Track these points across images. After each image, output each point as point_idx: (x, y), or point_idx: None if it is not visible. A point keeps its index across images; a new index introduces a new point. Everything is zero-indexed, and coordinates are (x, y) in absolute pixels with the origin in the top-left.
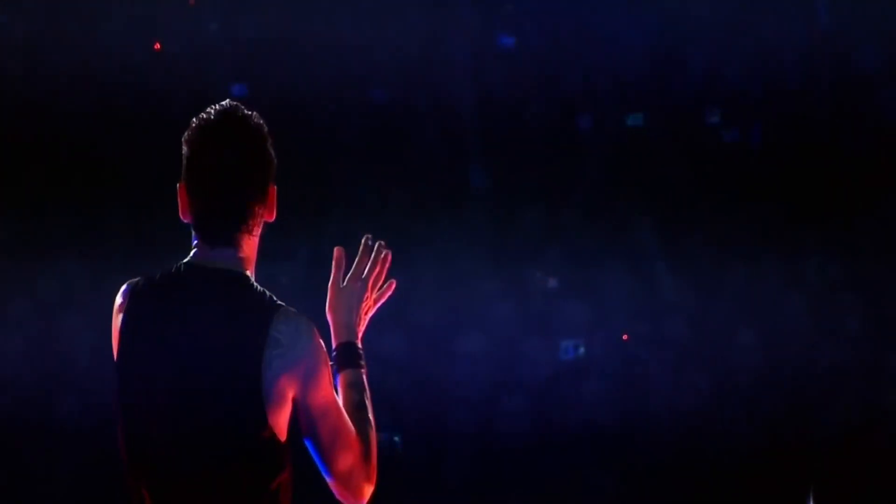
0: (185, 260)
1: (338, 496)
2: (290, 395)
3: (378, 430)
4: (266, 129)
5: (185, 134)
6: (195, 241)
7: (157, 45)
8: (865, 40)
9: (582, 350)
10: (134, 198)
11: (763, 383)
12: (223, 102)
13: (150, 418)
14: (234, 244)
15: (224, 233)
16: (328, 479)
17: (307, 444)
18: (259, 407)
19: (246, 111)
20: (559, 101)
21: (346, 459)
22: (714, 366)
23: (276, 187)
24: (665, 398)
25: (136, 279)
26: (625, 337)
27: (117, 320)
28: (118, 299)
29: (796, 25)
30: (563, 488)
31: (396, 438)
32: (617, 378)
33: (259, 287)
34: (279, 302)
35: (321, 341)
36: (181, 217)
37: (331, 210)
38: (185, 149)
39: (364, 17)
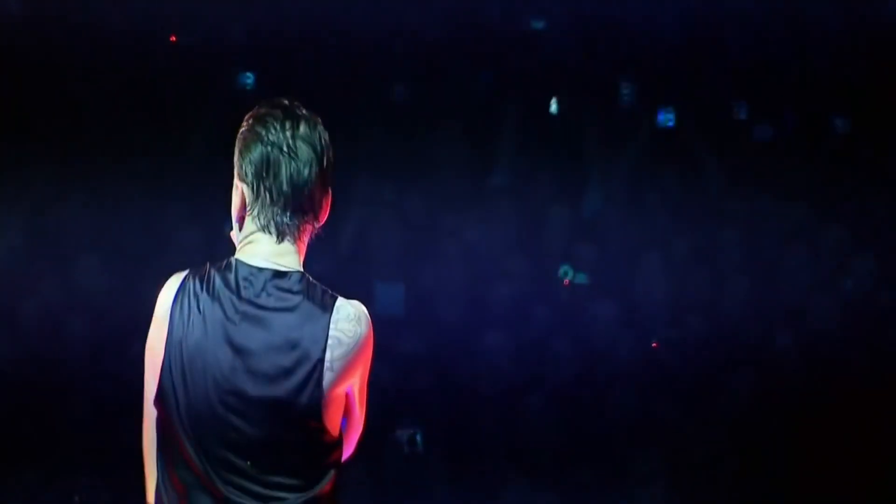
0: (240, 255)
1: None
2: (346, 389)
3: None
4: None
5: (253, 127)
6: (248, 238)
7: (173, 38)
8: None
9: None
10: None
11: (799, 385)
12: (278, 99)
13: (206, 410)
14: (296, 238)
15: (297, 227)
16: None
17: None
18: (317, 413)
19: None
20: (588, 91)
21: (361, 425)
22: (745, 367)
23: (330, 192)
24: (695, 400)
25: (186, 273)
26: (654, 344)
27: (166, 310)
28: (170, 291)
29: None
30: (590, 488)
31: (418, 437)
32: (646, 378)
33: (313, 282)
34: (333, 294)
35: (372, 326)
36: (235, 215)
37: (351, 206)
38: (257, 142)
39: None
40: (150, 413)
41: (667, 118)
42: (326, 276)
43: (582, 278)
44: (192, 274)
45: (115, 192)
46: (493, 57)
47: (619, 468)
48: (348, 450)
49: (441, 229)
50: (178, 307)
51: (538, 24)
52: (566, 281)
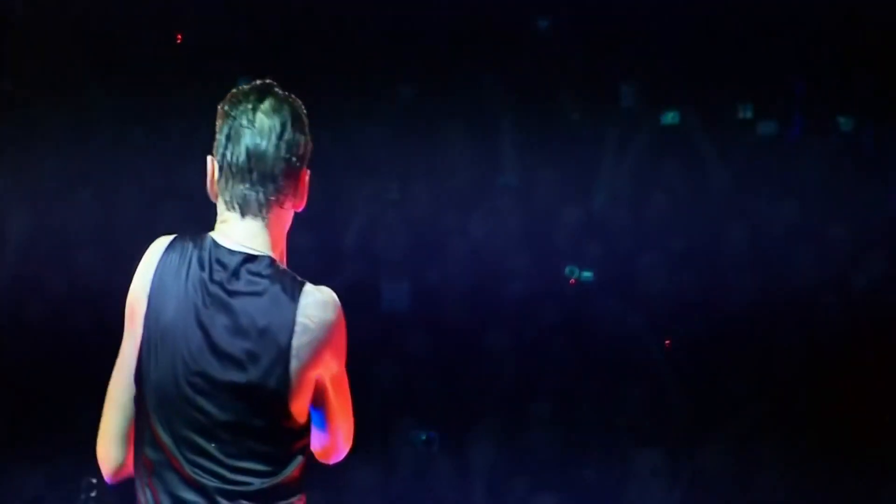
0: (215, 235)
1: (324, 458)
2: (315, 375)
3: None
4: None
5: (223, 104)
6: (221, 217)
7: (179, 37)
8: None
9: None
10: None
11: (804, 385)
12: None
13: (171, 388)
14: (264, 216)
15: (256, 202)
16: (325, 443)
17: (312, 410)
18: (283, 399)
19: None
20: (593, 90)
21: (349, 422)
22: (750, 366)
23: (308, 172)
24: (699, 399)
25: (168, 243)
26: (667, 342)
27: (147, 280)
28: (153, 258)
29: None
30: (593, 483)
31: (433, 438)
32: (652, 377)
33: (282, 268)
34: (301, 280)
35: (343, 313)
36: (208, 190)
37: (357, 205)
38: (224, 118)
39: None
40: (122, 369)
41: (671, 116)
42: (332, 273)
43: (588, 276)
44: (174, 244)
45: (115, 191)
46: (498, 56)
47: (621, 468)
48: (343, 443)
49: (446, 228)
50: (159, 280)
51: (544, 23)
52: (572, 280)
